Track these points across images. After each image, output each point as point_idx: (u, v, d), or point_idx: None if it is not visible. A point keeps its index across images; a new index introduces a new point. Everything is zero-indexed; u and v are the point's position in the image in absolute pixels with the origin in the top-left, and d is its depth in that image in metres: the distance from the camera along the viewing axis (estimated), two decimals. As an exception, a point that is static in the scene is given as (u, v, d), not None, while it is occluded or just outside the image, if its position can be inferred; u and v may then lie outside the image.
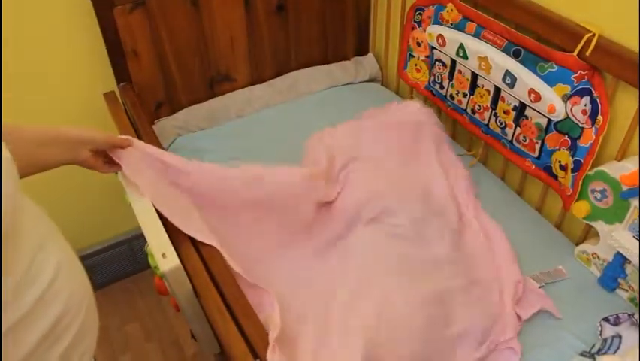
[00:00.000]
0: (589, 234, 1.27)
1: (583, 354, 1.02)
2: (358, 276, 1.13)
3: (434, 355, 1.03)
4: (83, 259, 1.87)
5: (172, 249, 1.01)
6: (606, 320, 1.07)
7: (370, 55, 1.89)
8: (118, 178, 1.15)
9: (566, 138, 1.21)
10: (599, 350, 1.01)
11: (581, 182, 1.16)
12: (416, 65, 1.61)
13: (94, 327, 0.77)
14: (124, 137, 1.12)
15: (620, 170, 1.08)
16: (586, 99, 1.15)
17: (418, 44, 1.57)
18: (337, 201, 1.28)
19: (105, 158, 1.09)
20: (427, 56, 1.56)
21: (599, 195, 1.13)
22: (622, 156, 1.15)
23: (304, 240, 1.24)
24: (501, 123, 1.35)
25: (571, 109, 1.17)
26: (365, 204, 1.25)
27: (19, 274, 0.61)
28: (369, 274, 1.13)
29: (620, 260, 1.13)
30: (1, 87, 1.46)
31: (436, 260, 1.17)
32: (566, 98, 1.17)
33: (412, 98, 1.76)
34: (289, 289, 1.14)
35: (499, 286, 1.15)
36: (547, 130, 1.25)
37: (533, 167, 1.33)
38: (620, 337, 1.03)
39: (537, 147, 1.29)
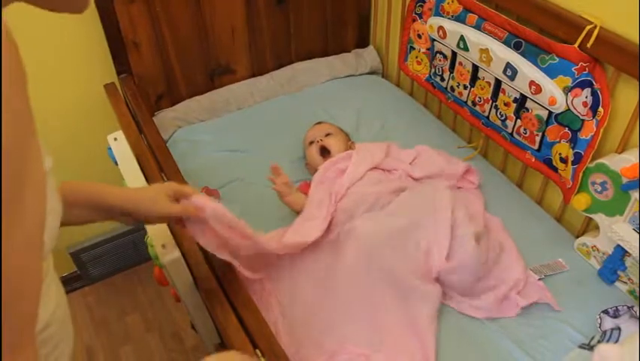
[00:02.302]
0: (589, 226, 1.27)
1: (582, 346, 1.03)
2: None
3: None
4: (84, 250, 1.88)
5: (172, 240, 1.01)
6: (605, 312, 1.08)
7: (371, 47, 1.88)
8: (118, 168, 1.15)
9: (567, 130, 1.21)
10: (599, 342, 1.02)
11: (581, 174, 1.16)
12: (417, 57, 1.61)
13: (68, 338, 0.75)
14: (185, 207, 0.93)
15: (620, 162, 1.08)
16: (587, 91, 1.14)
17: (419, 36, 1.57)
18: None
19: None
20: (427, 48, 1.56)
21: (599, 188, 1.13)
22: (622, 148, 1.15)
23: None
24: (501, 116, 1.35)
25: (572, 101, 1.17)
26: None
27: None
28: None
29: (620, 253, 1.13)
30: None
31: None
32: (566, 90, 1.17)
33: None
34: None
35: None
36: (547, 122, 1.24)
37: (533, 159, 1.33)
38: (619, 329, 1.03)
39: (537, 139, 1.29)
